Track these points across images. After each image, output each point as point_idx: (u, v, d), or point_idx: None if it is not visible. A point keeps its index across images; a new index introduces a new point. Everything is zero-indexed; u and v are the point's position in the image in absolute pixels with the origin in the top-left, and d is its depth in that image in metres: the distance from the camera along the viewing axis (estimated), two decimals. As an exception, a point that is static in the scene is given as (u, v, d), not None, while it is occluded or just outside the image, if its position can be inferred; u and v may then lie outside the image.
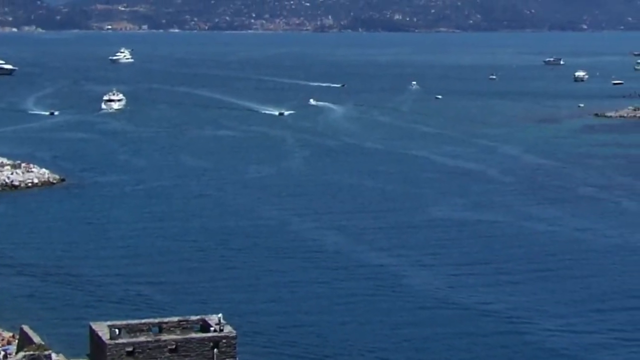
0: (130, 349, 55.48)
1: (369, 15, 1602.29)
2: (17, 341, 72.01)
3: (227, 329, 58.35)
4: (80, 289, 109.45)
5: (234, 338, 57.83)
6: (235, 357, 57.55)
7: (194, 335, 58.16)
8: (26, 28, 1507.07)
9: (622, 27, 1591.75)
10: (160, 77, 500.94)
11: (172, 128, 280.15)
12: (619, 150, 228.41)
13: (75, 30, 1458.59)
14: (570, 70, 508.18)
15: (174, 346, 56.37)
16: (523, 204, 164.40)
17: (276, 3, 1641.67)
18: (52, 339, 72.76)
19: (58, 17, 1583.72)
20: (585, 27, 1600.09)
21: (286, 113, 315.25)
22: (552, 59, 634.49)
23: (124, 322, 59.92)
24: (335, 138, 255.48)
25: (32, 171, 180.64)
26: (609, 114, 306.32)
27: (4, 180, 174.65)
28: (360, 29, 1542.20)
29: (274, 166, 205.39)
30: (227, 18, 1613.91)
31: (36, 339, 64.64)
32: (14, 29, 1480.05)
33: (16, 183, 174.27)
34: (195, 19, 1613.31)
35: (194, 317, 61.77)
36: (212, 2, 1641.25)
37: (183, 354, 56.08)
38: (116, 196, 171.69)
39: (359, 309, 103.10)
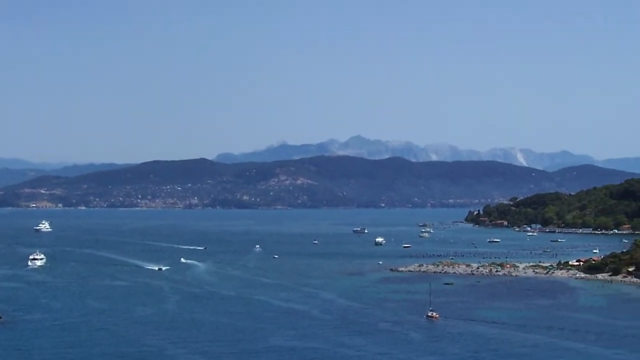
0: None
1: (224, 196, 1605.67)
2: None
3: None
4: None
5: None
6: None
7: None
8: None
9: (410, 205, 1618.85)
10: (72, 242, 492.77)
11: (80, 279, 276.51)
12: (407, 295, 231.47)
13: (9, 208, 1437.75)
14: (372, 237, 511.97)
15: None
16: (337, 334, 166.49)
17: (156, 188, 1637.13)
18: None
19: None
20: (383, 205, 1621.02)
21: (163, 268, 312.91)
22: (359, 229, 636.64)
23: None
24: (199, 287, 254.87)
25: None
26: (400, 269, 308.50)
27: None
28: (218, 207, 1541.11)
29: (154, 307, 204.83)
30: (121, 199, 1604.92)
31: None
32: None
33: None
34: (97, 199, 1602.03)
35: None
36: (109, 187, 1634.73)
37: None
38: (39, 329, 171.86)
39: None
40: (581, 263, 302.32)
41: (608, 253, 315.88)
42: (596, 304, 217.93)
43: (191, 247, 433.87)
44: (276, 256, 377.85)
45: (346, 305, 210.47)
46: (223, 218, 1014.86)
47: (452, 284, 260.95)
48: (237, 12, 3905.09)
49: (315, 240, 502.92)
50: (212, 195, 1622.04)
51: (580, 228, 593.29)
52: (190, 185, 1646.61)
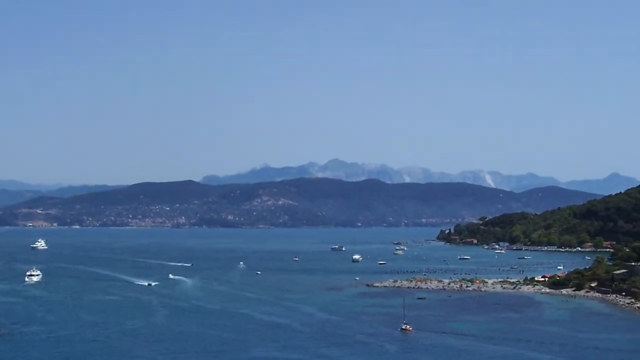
0: None
1: (210, 216, 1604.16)
2: None
3: None
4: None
5: None
6: None
7: None
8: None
9: (385, 224, 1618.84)
10: (66, 259, 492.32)
11: (74, 294, 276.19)
12: (382, 309, 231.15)
13: (7, 227, 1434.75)
14: (349, 254, 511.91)
15: None
16: (316, 346, 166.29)
17: (145, 208, 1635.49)
18: None
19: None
20: (359, 224, 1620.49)
21: (153, 284, 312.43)
22: (337, 247, 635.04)
23: None
24: (187, 301, 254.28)
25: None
26: (376, 284, 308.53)
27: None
28: (204, 226, 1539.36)
29: (144, 320, 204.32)
30: (112, 218, 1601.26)
31: None
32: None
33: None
34: (90, 218, 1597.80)
35: None
36: (102, 207, 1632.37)
37: None
38: (35, 341, 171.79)
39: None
40: (546, 279, 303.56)
41: (572, 269, 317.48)
42: (560, 317, 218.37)
43: (179, 264, 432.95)
44: (259, 272, 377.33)
45: (325, 319, 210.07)
46: (209, 236, 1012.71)
47: (424, 298, 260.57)
48: (222, 44, 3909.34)
49: (296, 257, 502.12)
50: (198, 215, 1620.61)
51: (546, 246, 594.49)
52: (177, 205, 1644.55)
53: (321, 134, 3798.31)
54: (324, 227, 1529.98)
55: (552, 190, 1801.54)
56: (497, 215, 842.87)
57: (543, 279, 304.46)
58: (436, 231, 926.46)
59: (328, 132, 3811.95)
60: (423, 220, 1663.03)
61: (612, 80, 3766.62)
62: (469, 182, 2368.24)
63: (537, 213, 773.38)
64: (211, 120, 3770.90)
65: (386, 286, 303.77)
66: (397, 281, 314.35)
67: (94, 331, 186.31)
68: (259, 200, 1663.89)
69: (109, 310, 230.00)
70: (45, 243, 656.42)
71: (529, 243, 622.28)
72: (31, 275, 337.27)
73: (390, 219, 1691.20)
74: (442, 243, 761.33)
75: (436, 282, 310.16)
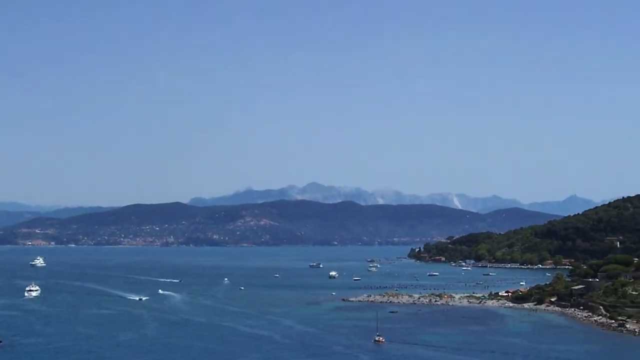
0: None
1: (197, 235, 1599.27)
2: None
3: None
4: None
5: None
6: None
7: None
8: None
9: (360, 243, 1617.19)
10: (63, 275, 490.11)
11: (70, 308, 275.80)
12: (357, 322, 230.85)
13: (8, 246, 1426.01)
14: (326, 271, 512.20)
15: None
16: (296, 357, 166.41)
17: (137, 228, 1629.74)
18: None
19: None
20: (336, 243, 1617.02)
21: (144, 298, 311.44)
22: (315, 264, 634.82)
23: None
24: (175, 315, 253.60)
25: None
26: (351, 299, 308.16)
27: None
28: (191, 245, 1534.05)
29: (135, 333, 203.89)
30: (106, 237, 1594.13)
31: None
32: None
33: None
34: (85, 238, 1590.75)
35: None
36: (96, 227, 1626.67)
37: None
38: (34, 352, 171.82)
39: None
40: (510, 294, 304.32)
41: (533, 285, 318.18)
42: (523, 329, 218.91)
43: (168, 280, 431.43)
44: (242, 288, 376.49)
45: (304, 331, 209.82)
46: (196, 254, 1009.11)
47: (396, 312, 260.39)
48: (207, 74, 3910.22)
49: (276, 274, 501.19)
50: (186, 235, 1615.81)
51: (509, 263, 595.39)
52: (167, 225, 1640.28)
53: (300, 159, 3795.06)
54: (302, 245, 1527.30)
55: (515, 212, 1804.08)
56: (463, 235, 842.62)
57: (506, 294, 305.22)
58: (407, 249, 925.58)
59: (307, 158, 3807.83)
60: (395, 239, 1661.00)
61: (570, 108, 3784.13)
62: (437, 204, 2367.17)
63: (501, 233, 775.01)
64: (198, 147, 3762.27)
65: (361, 300, 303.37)
66: (370, 296, 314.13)
67: (89, 343, 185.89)
68: (243, 221, 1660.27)
69: (103, 323, 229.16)
70: (43, 261, 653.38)
71: (494, 260, 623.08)
72: (30, 290, 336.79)
73: (365, 238, 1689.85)
74: (412, 260, 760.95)
75: (407, 297, 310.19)
